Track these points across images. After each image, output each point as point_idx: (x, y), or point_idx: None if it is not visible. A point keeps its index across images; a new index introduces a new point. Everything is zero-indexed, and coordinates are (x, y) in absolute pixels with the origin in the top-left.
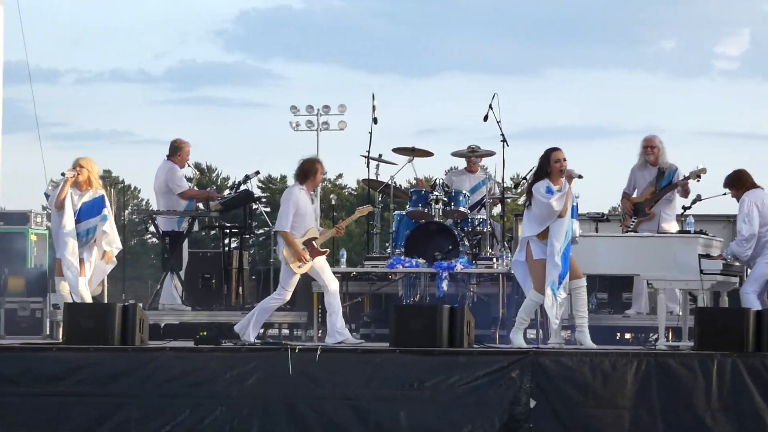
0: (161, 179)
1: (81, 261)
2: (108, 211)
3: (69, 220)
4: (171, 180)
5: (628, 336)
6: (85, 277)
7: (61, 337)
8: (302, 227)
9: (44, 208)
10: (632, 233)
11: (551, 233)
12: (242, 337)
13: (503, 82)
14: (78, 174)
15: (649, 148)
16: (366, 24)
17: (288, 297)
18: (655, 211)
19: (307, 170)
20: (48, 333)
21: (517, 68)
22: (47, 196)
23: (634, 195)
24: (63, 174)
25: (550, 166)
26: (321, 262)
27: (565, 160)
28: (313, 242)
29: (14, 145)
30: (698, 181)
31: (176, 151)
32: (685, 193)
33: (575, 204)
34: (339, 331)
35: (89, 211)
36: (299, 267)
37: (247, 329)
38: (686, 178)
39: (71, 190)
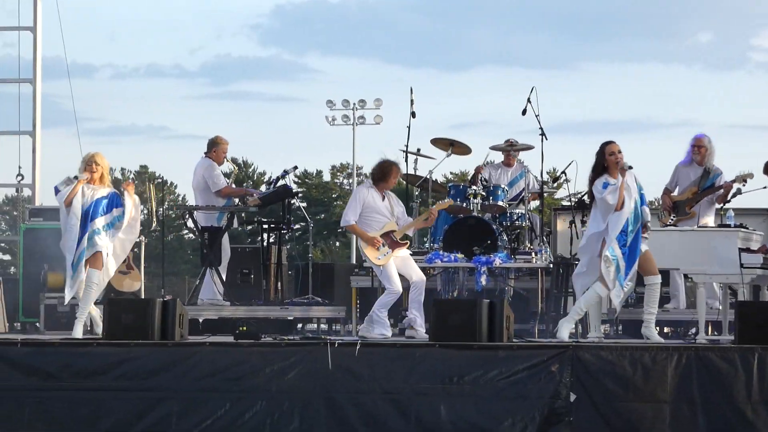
0: (199, 176)
1: (99, 254)
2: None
3: (75, 217)
4: (209, 177)
5: (667, 330)
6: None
7: (101, 332)
8: (376, 223)
9: None
10: (671, 227)
11: (608, 227)
12: (363, 333)
13: (539, 76)
14: (93, 173)
15: (698, 147)
16: (401, 18)
17: (397, 288)
18: (695, 211)
19: (384, 173)
20: (88, 328)
21: (553, 62)
22: (57, 190)
23: (675, 192)
24: (75, 177)
25: (605, 160)
26: (404, 255)
27: (620, 152)
28: (392, 235)
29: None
30: (743, 185)
31: (213, 147)
32: (724, 198)
33: (642, 192)
34: (422, 324)
35: (108, 206)
36: (378, 258)
37: (372, 328)
38: (731, 182)
39: (83, 186)
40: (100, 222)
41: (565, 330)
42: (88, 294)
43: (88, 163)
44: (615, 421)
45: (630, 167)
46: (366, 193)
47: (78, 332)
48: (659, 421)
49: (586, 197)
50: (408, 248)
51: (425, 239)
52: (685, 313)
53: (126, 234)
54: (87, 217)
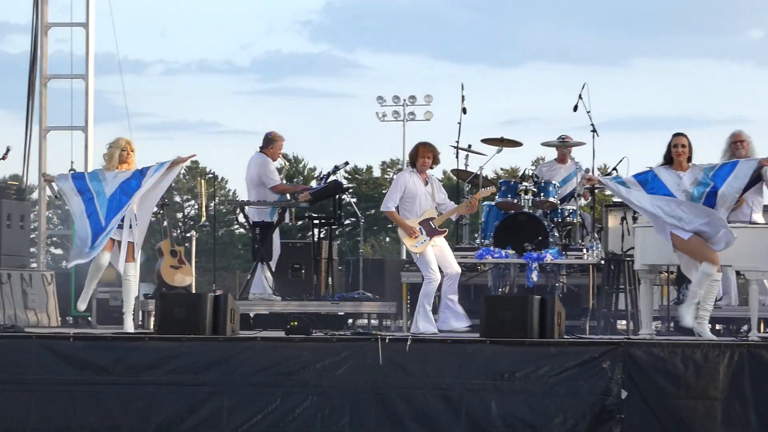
0: (254, 171)
1: (130, 245)
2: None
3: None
4: (263, 173)
5: (718, 327)
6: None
7: (152, 327)
8: (416, 209)
9: None
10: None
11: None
12: (413, 329)
13: (589, 72)
14: (123, 159)
15: (739, 142)
16: (451, 13)
17: (436, 276)
18: (744, 197)
19: (412, 155)
20: (140, 323)
21: (603, 58)
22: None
23: None
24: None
25: (668, 153)
26: (441, 244)
27: (683, 146)
28: (431, 222)
29: (103, 135)
30: None
31: (269, 143)
32: None
33: (707, 182)
34: (463, 313)
35: (129, 191)
36: (415, 246)
37: (417, 322)
38: None
39: (107, 174)
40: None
41: (686, 317)
42: (128, 287)
43: (123, 148)
44: (666, 418)
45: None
46: (408, 179)
47: (129, 326)
48: (711, 419)
49: None
50: (458, 243)
51: (476, 235)
52: (737, 310)
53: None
54: (111, 207)
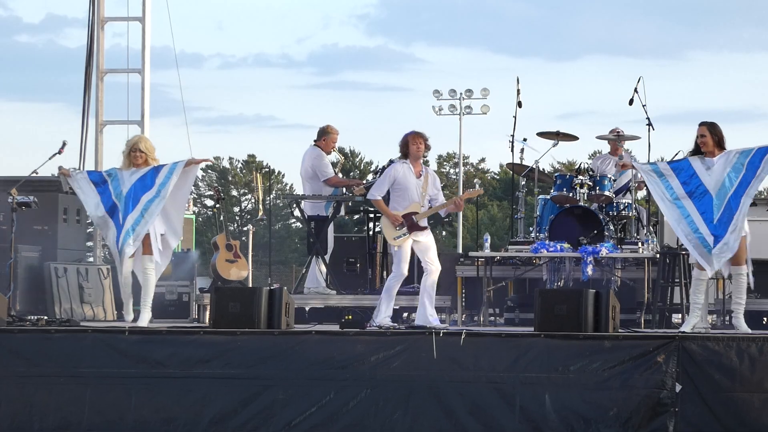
0: (308, 164)
1: (146, 238)
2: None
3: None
4: (317, 166)
5: None
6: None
7: (207, 320)
8: (403, 201)
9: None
10: None
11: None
12: (374, 320)
13: (646, 66)
14: (133, 161)
15: None
16: (508, 7)
17: (402, 272)
18: None
19: (402, 145)
20: (195, 317)
21: (659, 51)
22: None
23: None
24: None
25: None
26: (425, 240)
27: (703, 136)
28: (413, 216)
29: (160, 129)
30: None
31: (323, 136)
32: None
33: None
34: (432, 314)
35: (143, 188)
36: (395, 239)
37: (377, 313)
38: None
39: (123, 173)
40: (150, 194)
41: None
42: (150, 282)
43: (132, 149)
44: (721, 412)
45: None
46: (398, 170)
47: (144, 320)
48: (766, 412)
49: None
50: (513, 236)
51: (531, 229)
52: None
53: (171, 204)
54: (128, 203)
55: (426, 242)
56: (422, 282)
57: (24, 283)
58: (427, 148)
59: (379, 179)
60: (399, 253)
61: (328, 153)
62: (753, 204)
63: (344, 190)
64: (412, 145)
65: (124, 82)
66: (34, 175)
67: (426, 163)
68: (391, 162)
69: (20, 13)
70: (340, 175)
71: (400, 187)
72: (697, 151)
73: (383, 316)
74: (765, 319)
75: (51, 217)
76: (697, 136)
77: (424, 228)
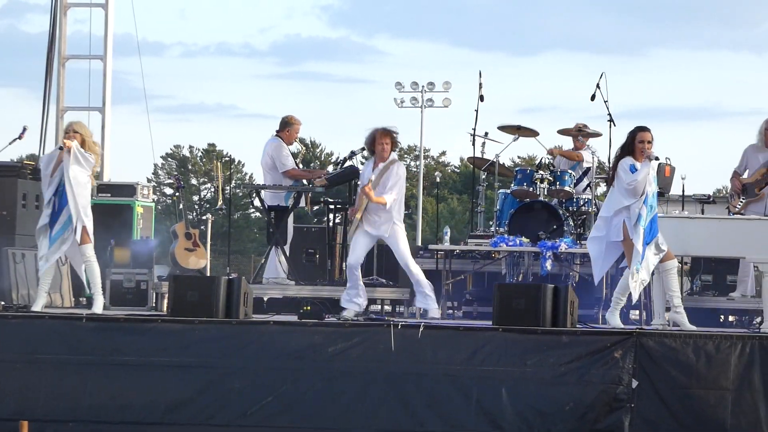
0: (268, 155)
1: (84, 228)
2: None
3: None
4: (277, 157)
5: (732, 319)
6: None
7: (165, 309)
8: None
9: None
10: (738, 216)
11: (631, 212)
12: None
13: (607, 62)
14: (69, 143)
15: None
16: (471, 1)
17: (350, 260)
18: (764, 192)
19: (368, 142)
20: (153, 305)
21: (621, 48)
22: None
23: (745, 175)
24: (60, 147)
25: (633, 145)
26: (394, 233)
27: (649, 142)
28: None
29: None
30: None
31: (286, 127)
32: None
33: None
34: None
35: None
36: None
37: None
38: None
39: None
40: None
41: (613, 320)
42: (94, 269)
43: (66, 131)
44: (677, 408)
45: (656, 158)
46: (363, 171)
47: (99, 307)
48: (721, 409)
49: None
50: (472, 230)
51: (491, 223)
52: (750, 302)
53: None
54: (62, 196)
55: (397, 235)
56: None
57: None
58: (394, 146)
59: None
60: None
61: (290, 144)
62: (711, 202)
63: (304, 181)
64: (378, 144)
65: (85, 69)
66: None
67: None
68: (352, 153)
69: None
70: (301, 166)
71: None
72: (629, 151)
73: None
74: (722, 316)
75: (10, 203)
76: (640, 141)
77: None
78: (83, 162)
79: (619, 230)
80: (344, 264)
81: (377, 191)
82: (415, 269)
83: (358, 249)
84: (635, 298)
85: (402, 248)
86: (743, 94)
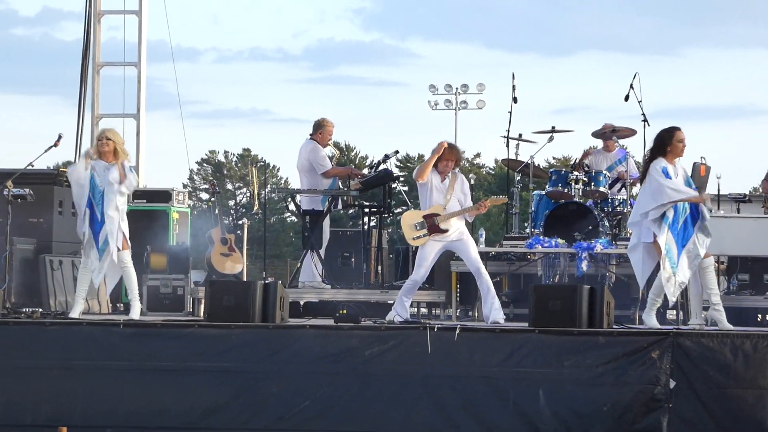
0: (304, 158)
1: (123, 236)
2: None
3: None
4: (314, 159)
5: None
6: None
7: (202, 314)
8: (427, 202)
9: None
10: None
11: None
12: (390, 316)
13: (641, 62)
14: (100, 149)
15: None
16: (503, 2)
17: (417, 276)
18: None
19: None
20: (189, 310)
21: (655, 47)
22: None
23: None
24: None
25: (671, 145)
26: (461, 240)
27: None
28: (435, 218)
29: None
30: None
31: (319, 129)
32: None
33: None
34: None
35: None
36: (413, 239)
37: (394, 309)
38: None
39: (97, 165)
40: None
41: (649, 321)
42: (131, 276)
43: (99, 138)
44: (715, 408)
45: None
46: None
47: (136, 313)
48: (760, 408)
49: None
50: (508, 232)
51: (526, 224)
52: None
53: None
54: (102, 198)
55: (461, 242)
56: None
57: (19, 276)
58: (458, 164)
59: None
60: (420, 254)
61: (324, 146)
62: (747, 200)
63: (340, 184)
64: (440, 162)
65: (120, 76)
66: (30, 167)
67: (422, 158)
68: (386, 157)
69: (16, 6)
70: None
71: (426, 190)
72: (661, 153)
73: (392, 314)
74: (759, 316)
75: (46, 210)
76: (679, 140)
77: (444, 231)
78: (132, 180)
79: (650, 231)
80: (380, 267)
81: (460, 200)
82: (487, 277)
83: (430, 264)
84: (672, 301)
85: (474, 254)
86: None
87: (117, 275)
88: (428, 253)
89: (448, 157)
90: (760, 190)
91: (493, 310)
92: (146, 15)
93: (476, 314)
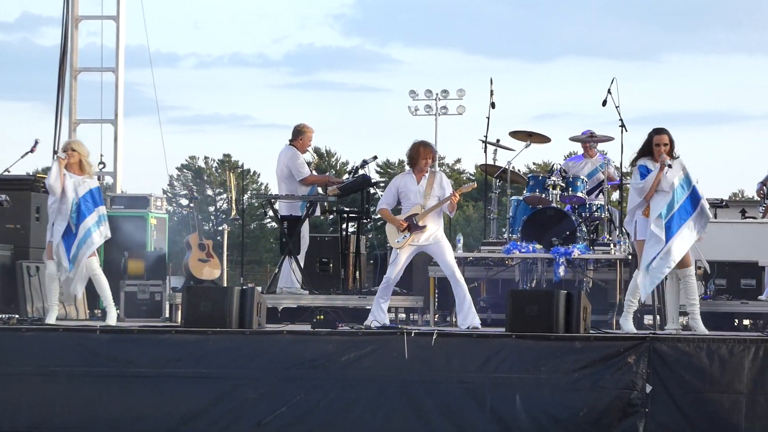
0: (283, 164)
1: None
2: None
3: (65, 205)
4: (293, 166)
5: (746, 323)
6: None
7: (179, 319)
8: (406, 207)
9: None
10: (751, 220)
11: (651, 210)
12: (368, 321)
13: (621, 67)
14: (68, 157)
15: None
16: (484, 8)
17: (390, 276)
18: None
19: (413, 155)
20: (167, 316)
21: (635, 53)
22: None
23: None
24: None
25: (651, 147)
26: (431, 242)
27: (666, 144)
28: (413, 218)
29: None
30: None
31: (299, 135)
32: None
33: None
34: (470, 319)
35: (94, 202)
36: (397, 242)
37: (372, 314)
38: None
39: (67, 174)
40: (91, 220)
41: (626, 325)
42: (102, 282)
43: (64, 149)
44: (691, 412)
45: (669, 165)
46: (399, 180)
47: (113, 319)
48: (735, 413)
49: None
50: (485, 237)
51: (504, 230)
52: (766, 306)
53: None
54: (79, 213)
55: (437, 244)
56: (453, 290)
57: None
58: (434, 159)
59: (385, 192)
60: (397, 257)
61: (304, 152)
62: (725, 206)
63: (319, 190)
64: (421, 159)
65: (98, 81)
66: (6, 173)
67: (402, 164)
68: (364, 162)
69: None
70: (314, 173)
71: (403, 195)
72: (646, 154)
73: (370, 319)
74: (736, 320)
75: (23, 216)
76: (656, 144)
77: (423, 227)
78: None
79: (637, 229)
80: (358, 273)
81: (440, 196)
82: (462, 282)
83: (402, 264)
84: (643, 297)
85: (450, 259)
86: (757, 98)
87: (84, 279)
88: (402, 252)
89: (426, 156)
90: (755, 194)
91: (470, 315)
92: (124, 20)
93: (454, 320)
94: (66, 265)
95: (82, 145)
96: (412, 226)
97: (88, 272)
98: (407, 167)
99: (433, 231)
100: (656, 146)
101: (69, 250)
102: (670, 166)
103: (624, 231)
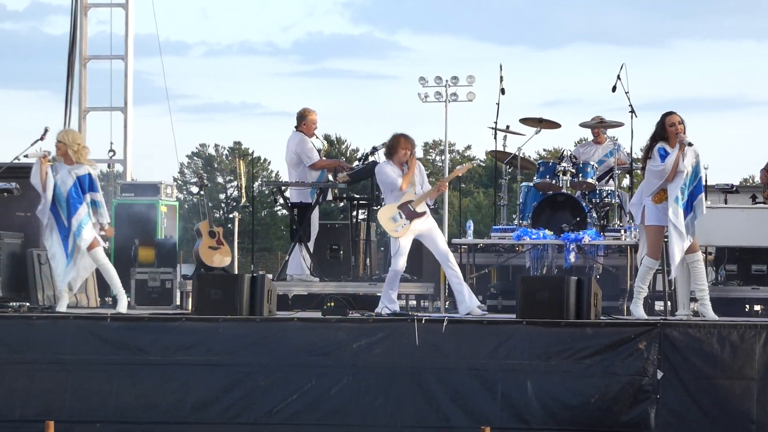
0: (292, 150)
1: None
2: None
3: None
4: (301, 151)
5: (758, 308)
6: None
7: (190, 307)
8: (395, 194)
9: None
10: (761, 205)
11: (668, 193)
12: (378, 309)
13: (630, 54)
14: (48, 154)
15: None
16: None
17: (398, 267)
18: None
19: (392, 146)
20: (177, 303)
21: (644, 39)
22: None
23: None
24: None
25: (665, 131)
26: (427, 228)
27: (680, 123)
28: (409, 205)
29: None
30: None
31: (302, 119)
32: None
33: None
34: (468, 301)
35: (84, 188)
36: (396, 231)
37: (382, 302)
38: None
39: (57, 165)
40: (83, 211)
41: (636, 311)
42: (110, 271)
43: (60, 141)
44: (702, 398)
45: (690, 144)
46: (390, 167)
47: (123, 307)
48: (746, 399)
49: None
50: (496, 223)
51: (514, 216)
52: None
53: None
54: (69, 203)
55: (429, 231)
56: (446, 273)
57: (6, 270)
58: (413, 153)
59: (388, 180)
60: (397, 247)
61: (311, 136)
62: (735, 191)
63: (329, 177)
64: (401, 150)
65: (107, 69)
66: (17, 161)
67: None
68: (374, 149)
69: (4, 1)
70: (325, 159)
71: (392, 185)
72: (660, 138)
73: (380, 307)
74: (747, 306)
75: (34, 204)
76: (671, 124)
77: (423, 213)
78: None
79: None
80: (369, 260)
81: (421, 183)
82: (456, 267)
83: (407, 253)
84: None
85: (443, 245)
86: (766, 84)
87: (85, 271)
88: (404, 241)
89: (406, 147)
90: (759, 180)
91: (469, 298)
92: (133, 8)
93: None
94: (62, 262)
95: (70, 133)
96: (411, 213)
97: (91, 265)
98: (383, 157)
99: (428, 216)
100: (671, 127)
101: (66, 244)
102: (690, 144)
103: (628, 211)
